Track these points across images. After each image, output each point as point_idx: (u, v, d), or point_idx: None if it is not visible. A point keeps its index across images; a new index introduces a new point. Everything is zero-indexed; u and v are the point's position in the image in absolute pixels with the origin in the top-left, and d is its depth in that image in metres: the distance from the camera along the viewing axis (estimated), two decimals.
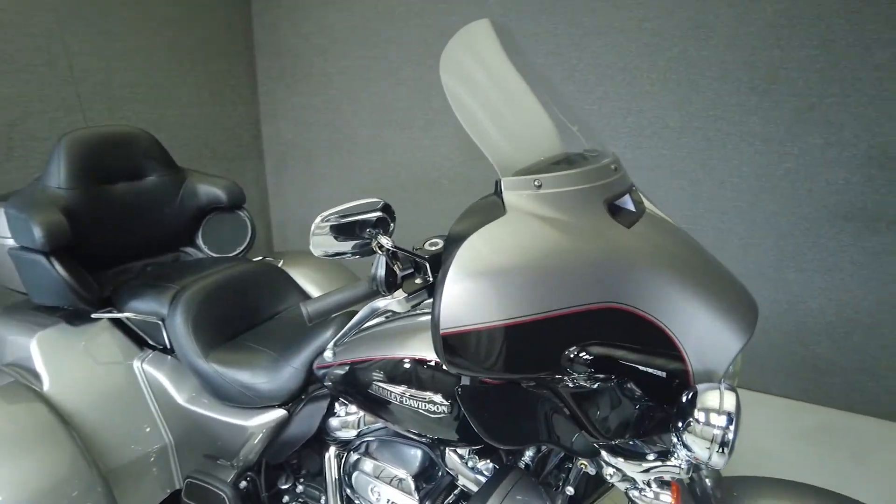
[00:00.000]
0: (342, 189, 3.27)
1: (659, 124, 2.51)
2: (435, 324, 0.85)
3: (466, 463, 1.18)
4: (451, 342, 0.85)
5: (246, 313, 1.61)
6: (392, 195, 3.14)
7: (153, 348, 1.63)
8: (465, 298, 0.84)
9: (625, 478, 0.97)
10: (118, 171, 1.74)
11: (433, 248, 1.03)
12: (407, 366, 1.11)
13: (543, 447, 1.16)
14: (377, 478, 1.26)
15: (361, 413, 1.32)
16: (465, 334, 0.85)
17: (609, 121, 2.58)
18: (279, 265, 1.85)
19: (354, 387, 1.22)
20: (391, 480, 1.24)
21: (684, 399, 0.81)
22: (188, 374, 1.54)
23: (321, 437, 1.41)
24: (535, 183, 0.91)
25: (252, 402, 1.43)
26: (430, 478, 1.23)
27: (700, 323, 0.87)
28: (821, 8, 2.17)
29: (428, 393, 1.08)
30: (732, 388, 0.82)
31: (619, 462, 0.92)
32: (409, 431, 1.17)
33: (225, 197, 1.89)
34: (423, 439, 1.18)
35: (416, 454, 1.25)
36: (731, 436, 0.77)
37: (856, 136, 2.21)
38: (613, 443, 0.91)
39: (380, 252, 1.02)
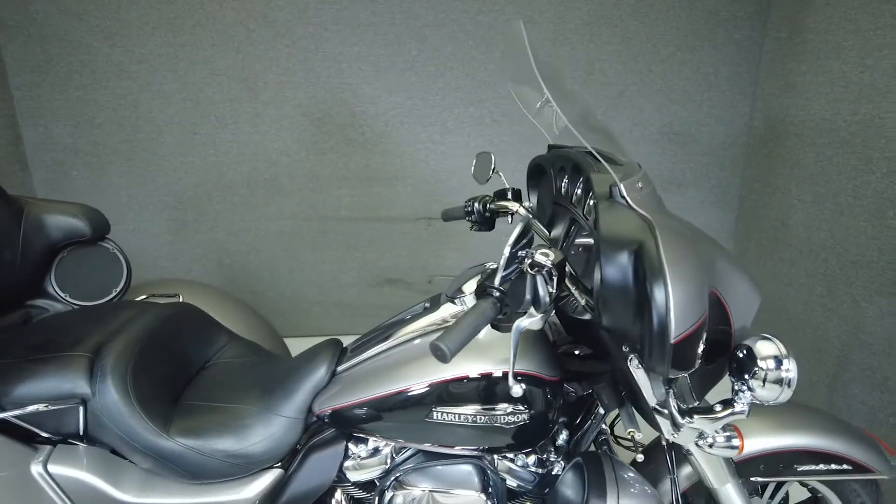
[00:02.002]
0: (150, 199, 2.78)
1: (498, 113, 2.70)
2: (659, 333, 0.80)
3: (516, 463, 1.19)
4: (681, 348, 0.81)
5: (179, 369, 1.31)
6: (219, 199, 2.80)
7: (47, 442, 1.21)
8: (684, 300, 0.82)
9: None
10: None
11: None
12: (476, 384, 1.08)
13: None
14: None
15: (387, 448, 1.21)
16: (690, 336, 0.82)
17: (451, 111, 2.69)
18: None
19: (393, 420, 1.13)
20: (450, 502, 1.16)
21: (740, 354, 0.94)
22: (121, 463, 1.20)
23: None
24: (638, 185, 0.95)
25: (238, 470, 1.19)
26: (490, 488, 1.19)
27: (737, 287, 1.01)
28: (621, 9, 2.57)
29: (504, 405, 1.07)
30: (772, 337, 0.97)
31: (695, 421, 1.02)
32: (466, 449, 1.13)
33: (86, 227, 1.48)
34: (474, 453, 1.15)
35: (467, 470, 1.19)
36: (794, 374, 0.93)
37: (652, 117, 2.69)
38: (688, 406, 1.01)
39: (531, 271, 0.93)
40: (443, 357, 0.83)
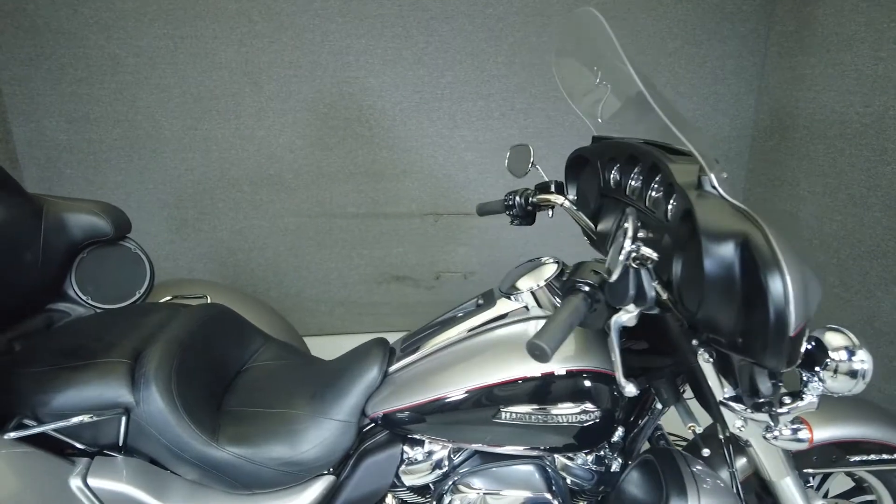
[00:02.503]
0: (149, 197, 2.69)
1: (507, 106, 2.67)
2: (777, 326, 0.77)
3: (575, 462, 1.18)
4: (795, 341, 0.78)
5: (218, 374, 1.26)
6: (221, 197, 2.72)
7: (82, 454, 1.14)
8: (800, 291, 0.79)
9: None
10: None
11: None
12: (547, 382, 1.07)
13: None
14: None
15: (444, 450, 1.18)
16: (803, 328, 0.80)
17: (460, 105, 2.65)
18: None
19: (457, 421, 1.10)
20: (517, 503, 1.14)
21: (809, 346, 0.94)
22: (162, 474, 1.14)
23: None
24: (724, 175, 0.94)
25: (291, 478, 1.15)
26: (553, 488, 1.17)
27: (799, 275, 1.00)
28: (630, 2, 2.56)
29: (574, 403, 1.06)
30: (840, 327, 0.97)
31: (761, 414, 1.02)
32: (528, 449, 1.11)
33: (108, 226, 1.42)
34: (534, 452, 1.13)
35: (528, 470, 1.17)
36: (869, 366, 0.93)
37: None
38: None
39: (635, 265, 0.91)
40: (542, 356, 0.80)
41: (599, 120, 1.37)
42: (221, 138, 2.65)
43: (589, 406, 1.07)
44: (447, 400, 1.10)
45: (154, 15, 2.47)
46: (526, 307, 1.16)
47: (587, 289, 0.89)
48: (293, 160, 2.70)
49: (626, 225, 0.92)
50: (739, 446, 1.24)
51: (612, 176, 1.33)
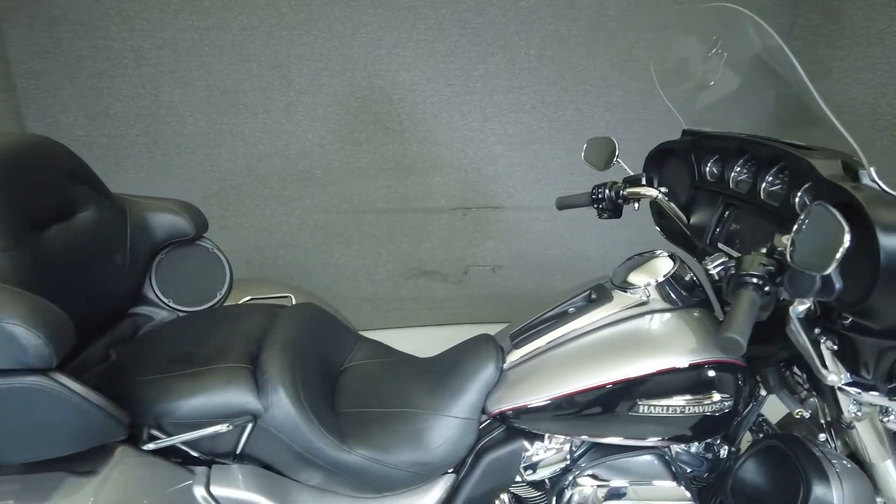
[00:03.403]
0: (172, 194, 2.57)
1: (537, 99, 2.67)
2: None
3: (689, 450, 1.19)
4: None
5: (326, 375, 1.23)
6: (248, 194, 2.66)
7: (198, 463, 1.11)
8: None
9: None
10: (46, 209, 1.10)
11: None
12: (687, 374, 1.08)
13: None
14: (636, 499, 1.15)
15: (566, 444, 1.18)
16: None
17: (491, 98, 2.64)
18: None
19: (588, 416, 1.11)
20: (648, 494, 1.15)
21: None
22: (280, 480, 1.12)
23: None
24: (874, 169, 0.95)
25: (419, 479, 1.14)
26: (678, 476, 1.18)
27: None
28: None
29: (710, 394, 1.07)
30: None
31: (880, 399, 1.04)
32: (664, 440, 1.12)
33: (189, 225, 1.37)
34: (657, 444, 1.15)
35: (650, 461, 1.18)
36: None
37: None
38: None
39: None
40: (737, 348, 0.82)
41: (702, 114, 1.39)
42: (249, 133, 2.58)
43: (722, 396, 1.08)
44: (580, 394, 1.10)
45: (179, 5, 2.39)
46: (646, 301, 1.17)
47: (759, 281, 0.90)
48: (323, 155, 2.65)
49: (843, 223, 0.92)
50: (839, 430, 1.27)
51: (708, 169, 1.35)
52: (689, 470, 1.23)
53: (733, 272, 0.94)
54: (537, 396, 1.12)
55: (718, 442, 1.25)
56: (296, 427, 1.05)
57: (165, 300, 1.36)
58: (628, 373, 1.09)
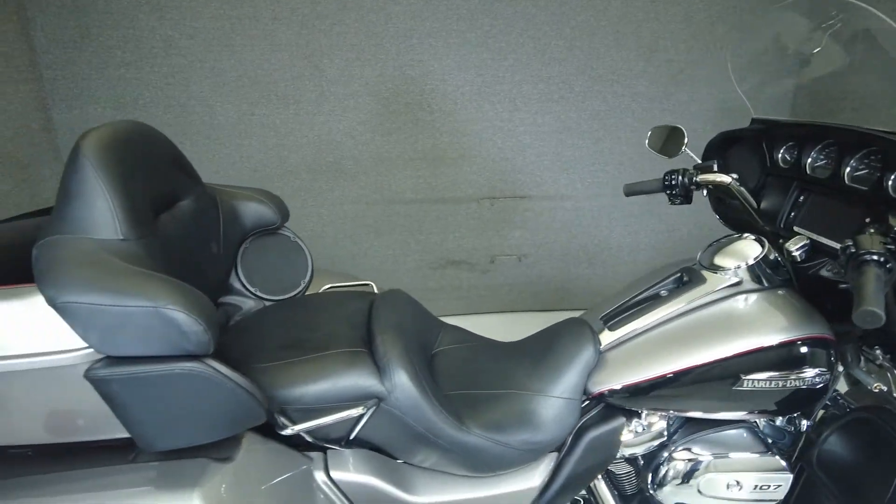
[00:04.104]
0: None
1: (566, 89, 2.70)
2: None
3: (774, 423, 1.24)
4: None
5: (425, 360, 1.25)
6: (279, 185, 2.63)
7: (313, 448, 1.11)
8: None
9: None
10: (160, 196, 1.09)
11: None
12: (785, 349, 1.12)
13: None
14: (732, 471, 1.19)
15: (662, 421, 1.22)
16: None
17: (521, 88, 2.66)
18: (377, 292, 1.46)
19: (691, 392, 1.15)
20: (746, 465, 1.19)
21: None
22: (392, 463, 1.14)
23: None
24: None
25: (530, 457, 1.17)
26: (771, 448, 1.23)
27: None
28: None
29: (812, 368, 1.12)
30: None
31: None
32: (756, 413, 1.17)
33: (275, 214, 1.37)
34: (746, 417, 1.19)
35: (741, 434, 1.24)
36: None
37: (708, 94, 2.80)
38: None
39: None
40: (877, 319, 0.87)
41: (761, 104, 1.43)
42: (280, 124, 2.56)
43: (818, 370, 1.13)
44: (683, 373, 1.13)
45: None
46: (738, 282, 1.21)
47: (882, 259, 0.95)
48: (353, 146, 2.64)
49: None
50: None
51: (780, 155, 1.39)
52: (771, 442, 1.28)
53: (851, 251, 0.97)
54: (640, 376, 1.15)
55: (797, 415, 1.30)
56: (418, 408, 1.07)
57: (252, 289, 1.36)
58: (729, 350, 1.13)
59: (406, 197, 2.76)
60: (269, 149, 2.59)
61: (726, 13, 2.68)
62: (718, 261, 1.25)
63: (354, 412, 1.03)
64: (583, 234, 2.94)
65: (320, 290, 1.50)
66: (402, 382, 1.06)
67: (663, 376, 1.14)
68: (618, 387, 1.17)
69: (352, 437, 1.11)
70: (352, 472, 1.08)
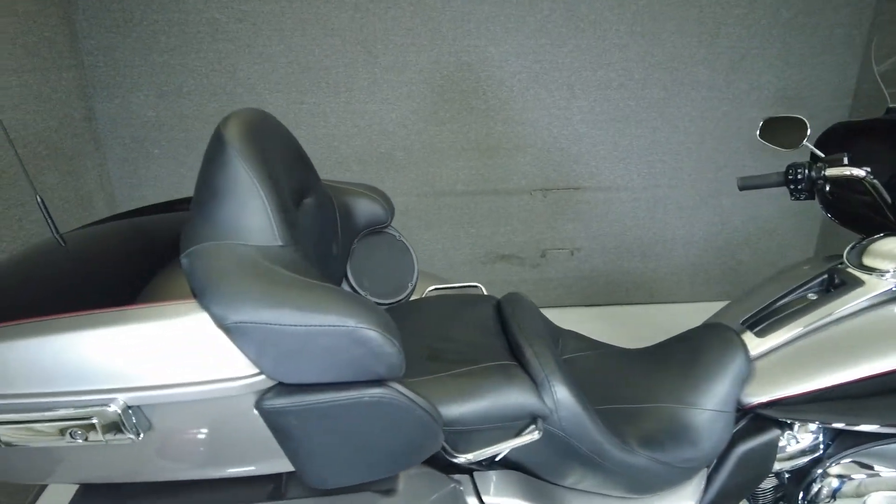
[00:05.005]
0: None
1: (625, 76, 2.60)
2: None
3: None
4: None
5: None
6: (328, 177, 2.52)
7: (456, 468, 1.01)
8: None
9: None
10: (292, 195, 0.99)
11: None
12: None
13: None
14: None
15: (821, 433, 1.14)
16: None
17: (580, 74, 2.56)
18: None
19: (863, 403, 1.07)
20: None
21: None
22: (542, 485, 1.05)
23: None
24: None
25: (688, 475, 1.08)
26: None
27: None
28: None
29: None
30: None
31: None
32: None
33: (386, 213, 1.28)
34: None
35: None
36: None
37: (769, 82, 2.70)
38: None
39: None
40: None
41: None
42: (330, 112, 2.45)
43: None
44: (851, 384, 1.05)
45: None
46: None
47: None
48: (405, 136, 2.53)
49: None
50: None
51: None
52: None
53: None
54: (802, 387, 1.07)
55: None
56: (583, 428, 0.98)
57: (362, 292, 1.27)
58: None
59: (457, 189, 2.66)
60: (318, 139, 2.48)
61: None
62: (871, 262, 1.17)
63: (527, 437, 0.93)
64: (637, 227, 2.85)
65: (425, 293, 1.41)
66: (565, 399, 0.97)
67: (825, 389, 1.06)
68: (778, 398, 1.08)
69: (498, 458, 1.02)
70: (502, 496, 0.99)
